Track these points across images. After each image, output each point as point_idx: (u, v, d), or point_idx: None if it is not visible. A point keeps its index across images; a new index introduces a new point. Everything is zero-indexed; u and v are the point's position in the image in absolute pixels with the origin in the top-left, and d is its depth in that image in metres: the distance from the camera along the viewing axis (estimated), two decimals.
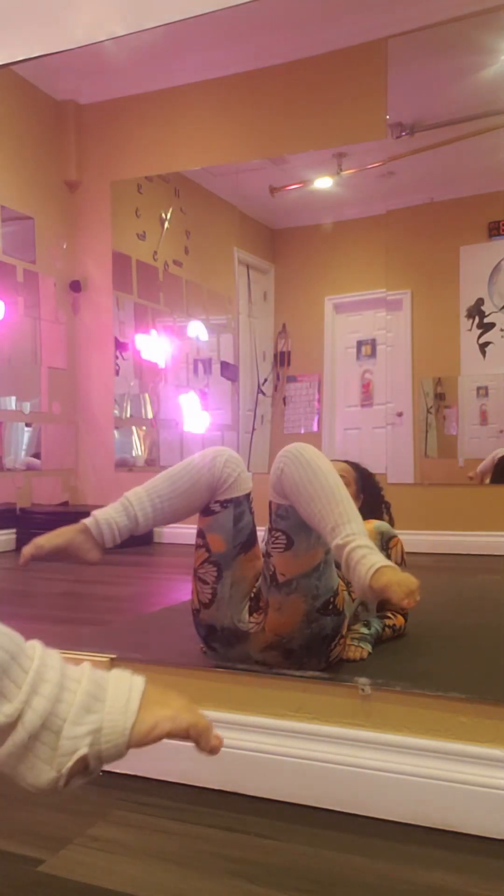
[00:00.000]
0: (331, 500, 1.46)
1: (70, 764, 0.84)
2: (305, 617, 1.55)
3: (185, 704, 0.92)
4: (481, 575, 3.39)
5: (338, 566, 1.72)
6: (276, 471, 1.53)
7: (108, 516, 1.56)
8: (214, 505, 1.61)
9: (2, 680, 0.83)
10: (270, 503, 1.57)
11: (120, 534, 1.56)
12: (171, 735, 0.88)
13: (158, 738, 0.88)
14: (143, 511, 1.57)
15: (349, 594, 1.74)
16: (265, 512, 1.62)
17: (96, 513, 1.57)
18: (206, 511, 1.63)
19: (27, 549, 1.53)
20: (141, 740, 0.87)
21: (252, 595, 1.65)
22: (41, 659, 0.87)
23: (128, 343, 5.01)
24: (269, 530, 1.58)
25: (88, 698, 0.87)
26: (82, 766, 0.86)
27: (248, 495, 1.64)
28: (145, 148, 4.79)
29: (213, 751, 0.93)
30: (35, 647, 0.90)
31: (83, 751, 0.84)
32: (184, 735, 0.89)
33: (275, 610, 1.57)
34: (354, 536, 1.41)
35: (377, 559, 1.38)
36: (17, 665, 0.85)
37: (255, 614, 1.63)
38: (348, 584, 1.75)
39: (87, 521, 1.56)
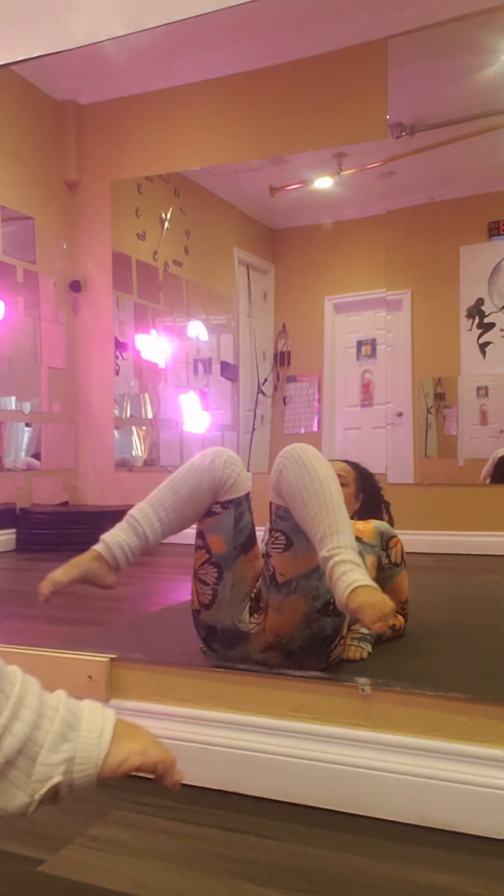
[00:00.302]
0: (323, 508, 1.46)
1: (43, 791, 0.85)
2: (305, 617, 1.55)
3: (153, 740, 0.94)
4: (481, 575, 3.39)
5: None
6: (276, 472, 1.53)
7: (118, 539, 1.55)
8: (215, 506, 1.61)
9: None
10: (271, 503, 1.57)
11: (132, 554, 1.56)
12: (140, 769, 0.91)
13: (128, 772, 0.90)
14: (152, 527, 1.56)
15: None
16: (265, 512, 1.62)
17: (105, 537, 1.56)
18: (206, 512, 1.63)
19: (45, 587, 1.52)
20: (112, 772, 0.89)
21: (252, 596, 1.65)
22: (22, 685, 0.88)
23: (128, 343, 5.01)
24: (270, 530, 1.58)
25: (65, 727, 0.88)
26: (53, 794, 0.88)
27: (247, 495, 1.64)
28: (145, 148, 4.79)
29: (175, 786, 0.95)
30: (15, 672, 0.91)
31: (57, 778, 0.86)
32: (151, 769, 0.92)
33: (275, 610, 1.57)
34: (339, 550, 1.41)
35: (356, 577, 1.38)
36: None
37: (255, 615, 1.63)
38: None
39: (98, 547, 1.56)
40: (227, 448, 1.69)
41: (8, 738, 0.83)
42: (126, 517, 1.58)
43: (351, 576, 1.38)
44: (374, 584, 1.40)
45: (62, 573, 1.54)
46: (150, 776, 0.94)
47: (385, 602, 1.36)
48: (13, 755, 0.83)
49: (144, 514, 1.57)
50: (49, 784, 0.85)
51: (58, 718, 0.88)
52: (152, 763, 0.92)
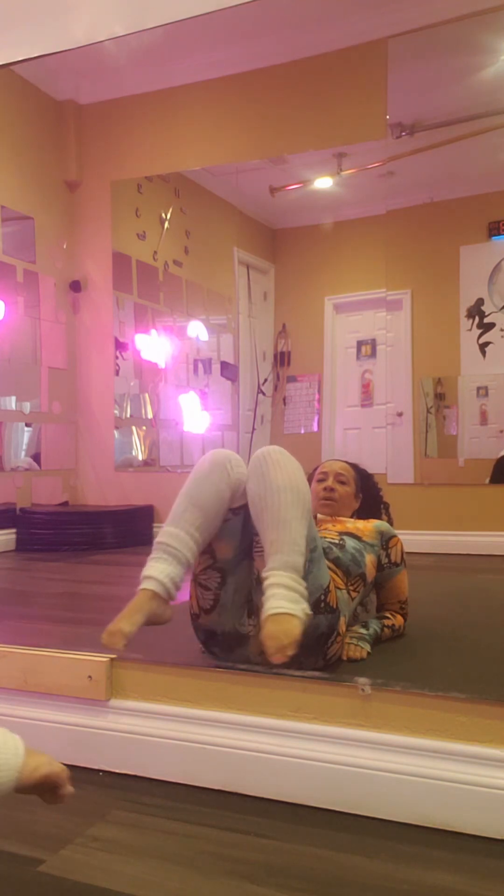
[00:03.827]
0: (271, 524, 1.45)
1: None
2: None
3: (50, 758, 1.09)
4: (481, 575, 3.39)
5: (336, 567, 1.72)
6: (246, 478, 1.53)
7: (167, 572, 1.50)
8: (227, 513, 1.59)
9: None
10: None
11: (181, 582, 1.53)
12: (48, 777, 1.06)
13: (41, 779, 1.05)
14: (191, 551, 1.53)
15: (348, 593, 1.74)
16: None
17: (153, 573, 1.50)
18: None
19: (118, 643, 1.46)
20: (27, 778, 1.03)
21: (251, 598, 1.64)
22: None
23: (128, 343, 5.01)
24: (255, 533, 1.58)
25: None
26: None
27: None
28: (145, 148, 4.79)
29: (66, 798, 1.09)
30: None
31: None
32: (56, 778, 1.07)
33: None
34: (272, 573, 1.41)
35: (276, 605, 1.37)
36: None
37: (252, 616, 1.62)
38: (347, 582, 1.75)
39: (150, 586, 1.50)
40: (227, 448, 1.68)
41: None
42: (161, 546, 1.53)
43: (273, 602, 1.38)
44: (290, 608, 1.37)
45: (129, 623, 1.48)
46: (49, 789, 1.07)
47: (289, 634, 1.34)
48: None
49: (178, 538, 1.52)
50: None
51: None
52: (57, 772, 1.07)
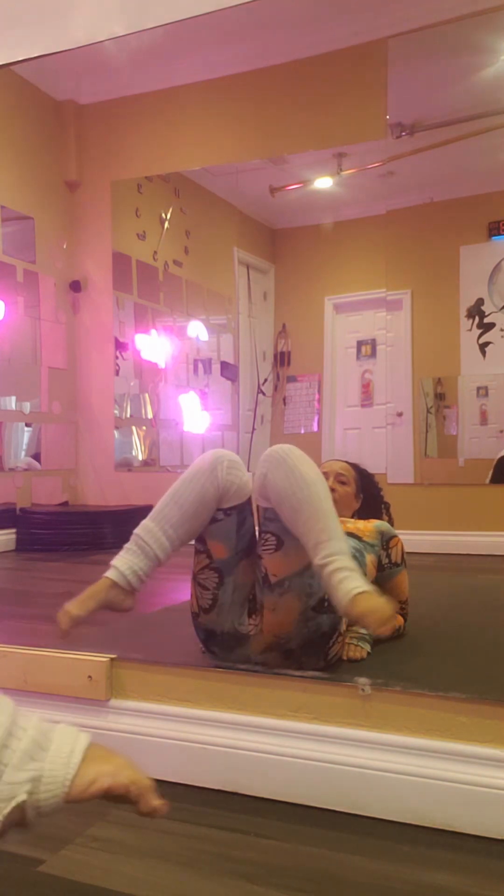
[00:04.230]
0: (314, 515, 1.45)
1: (7, 810, 0.83)
2: (301, 616, 1.55)
3: (128, 763, 0.92)
4: (481, 575, 3.39)
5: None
6: (261, 475, 1.52)
7: (130, 563, 1.53)
8: (218, 513, 1.59)
9: None
10: (257, 506, 1.57)
11: (146, 575, 1.55)
12: (111, 791, 0.88)
13: (97, 794, 0.88)
14: (161, 546, 1.54)
15: None
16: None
17: (117, 563, 1.54)
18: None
19: (64, 622, 1.50)
20: (80, 794, 0.87)
21: (251, 598, 1.64)
22: None
23: (128, 343, 5.01)
24: (259, 532, 1.57)
25: (33, 746, 0.87)
26: (19, 816, 0.85)
27: (249, 500, 1.63)
28: (145, 148, 4.79)
29: (154, 812, 0.92)
30: None
31: (21, 797, 0.84)
32: (124, 791, 0.89)
33: (270, 611, 1.57)
34: (335, 558, 1.41)
35: (354, 585, 1.39)
36: None
37: (252, 616, 1.62)
38: None
39: (110, 574, 1.53)
40: (228, 449, 1.68)
41: None
42: (133, 537, 1.56)
43: (348, 583, 1.39)
44: (371, 588, 1.41)
45: (79, 607, 1.52)
46: (124, 803, 0.92)
47: (385, 606, 1.37)
48: None
49: (152, 533, 1.54)
50: (13, 803, 0.83)
51: (26, 738, 0.87)
52: (123, 785, 0.89)
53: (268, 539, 1.55)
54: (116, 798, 0.90)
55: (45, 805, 0.87)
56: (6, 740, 0.86)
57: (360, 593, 1.38)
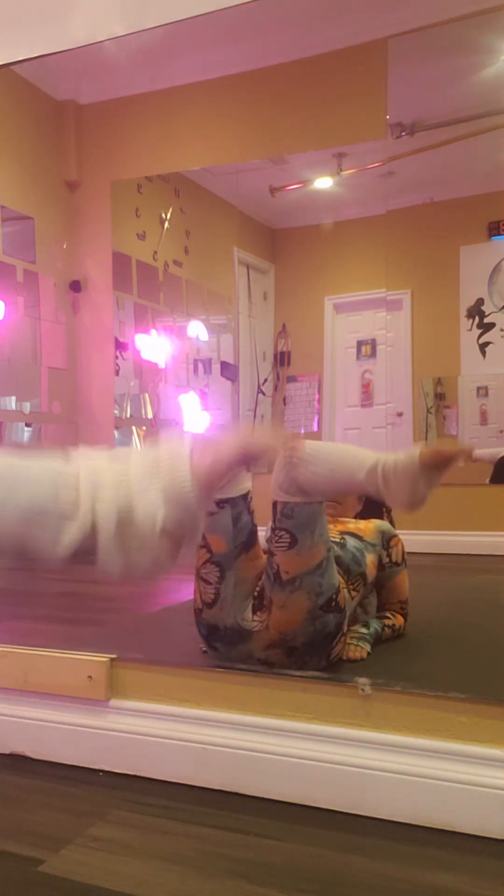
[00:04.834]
0: (344, 462, 1.54)
1: (157, 530, 0.78)
2: (309, 614, 1.55)
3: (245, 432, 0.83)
4: (481, 575, 3.39)
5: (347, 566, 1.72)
6: (286, 476, 1.54)
7: None
8: (211, 505, 1.62)
9: (56, 503, 0.79)
10: (276, 503, 1.57)
11: None
12: (244, 456, 0.79)
13: (227, 469, 0.79)
14: None
15: (349, 592, 1.75)
16: (264, 512, 1.62)
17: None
18: None
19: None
20: (208, 476, 0.79)
21: (255, 594, 1.65)
22: (86, 471, 0.83)
23: (128, 343, 5.00)
24: (273, 529, 1.58)
25: (147, 467, 0.82)
26: (174, 526, 0.80)
27: (245, 495, 1.64)
28: (145, 148, 4.78)
29: (293, 453, 0.85)
30: (75, 468, 0.84)
31: (161, 512, 0.78)
32: (260, 452, 0.79)
33: (278, 608, 1.58)
34: (377, 461, 1.51)
35: (408, 450, 1.50)
36: (63, 487, 0.81)
37: (258, 613, 1.63)
38: (347, 581, 1.76)
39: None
40: None
41: (99, 522, 0.78)
42: None
43: (402, 454, 1.52)
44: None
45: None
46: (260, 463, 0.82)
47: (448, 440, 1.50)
48: (112, 532, 0.78)
49: None
50: (159, 523, 0.78)
51: (133, 472, 0.82)
52: (249, 444, 0.79)
53: (282, 536, 1.56)
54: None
55: (179, 499, 0.80)
56: (118, 491, 0.81)
57: (419, 448, 1.50)
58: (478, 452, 4.28)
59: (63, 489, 0.81)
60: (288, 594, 1.56)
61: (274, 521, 1.59)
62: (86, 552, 0.80)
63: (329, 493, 1.57)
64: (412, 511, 1.56)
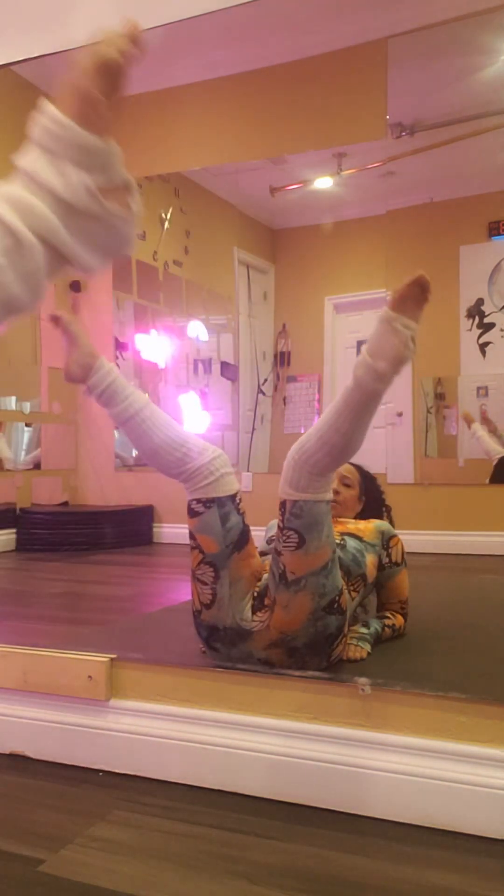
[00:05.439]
0: (350, 405, 1.70)
1: (96, 195, 0.73)
2: (311, 615, 1.56)
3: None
4: (481, 575, 3.39)
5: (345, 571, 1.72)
6: (294, 471, 1.55)
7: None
8: (197, 505, 1.63)
9: None
10: (284, 502, 1.57)
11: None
12: (98, 66, 0.75)
13: (92, 86, 0.74)
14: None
15: (349, 593, 1.75)
16: (266, 511, 1.63)
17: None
18: (190, 512, 1.65)
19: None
20: (82, 105, 0.74)
21: (255, 594, 1.65)
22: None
23: (128, 343, 5.01)
24: (281, 529, 1.58)
25: (32, 158, 0.77)
26: (105, 181, 0.74)
27: (232, 497, 1.65)
28: (145, 148, 4.78)
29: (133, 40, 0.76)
30: None
31: (82, 176, 0.73)
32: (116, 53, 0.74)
33: (282, 608, 1.58)
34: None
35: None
36: None
37: (258, 612, 1.63)
38: (347, 582, 1.76)
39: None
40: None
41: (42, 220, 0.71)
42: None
43: None
44: None
45: None
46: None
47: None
48: (62, 220, 0.72)
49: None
50: (91, 186, 0.73)
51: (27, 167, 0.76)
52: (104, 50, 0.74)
53: (290, 536, 1.56)
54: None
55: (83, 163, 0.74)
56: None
57: None
58: (480, 433, 4.31)
59: None
60: (292, 594, 1.56)
61: (282, 521, 1.58)
62: (51, 270, 0.74)
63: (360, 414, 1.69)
64: (405, 360, 1.61)
